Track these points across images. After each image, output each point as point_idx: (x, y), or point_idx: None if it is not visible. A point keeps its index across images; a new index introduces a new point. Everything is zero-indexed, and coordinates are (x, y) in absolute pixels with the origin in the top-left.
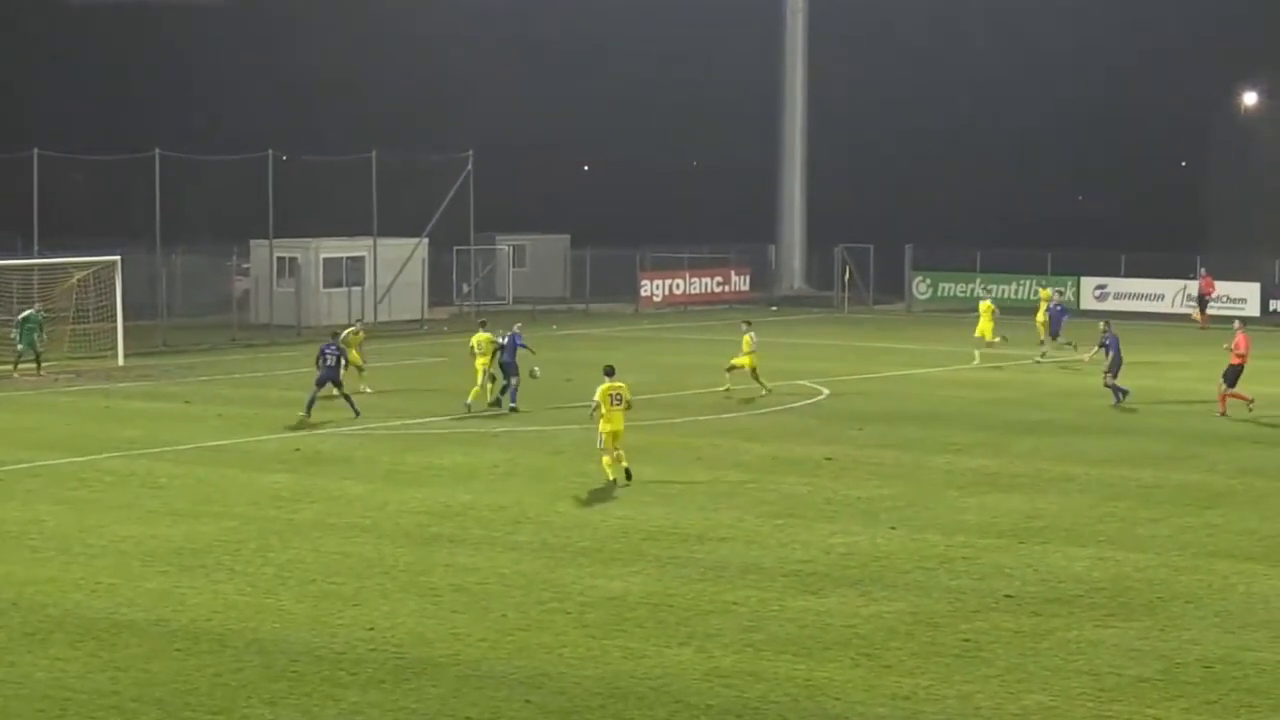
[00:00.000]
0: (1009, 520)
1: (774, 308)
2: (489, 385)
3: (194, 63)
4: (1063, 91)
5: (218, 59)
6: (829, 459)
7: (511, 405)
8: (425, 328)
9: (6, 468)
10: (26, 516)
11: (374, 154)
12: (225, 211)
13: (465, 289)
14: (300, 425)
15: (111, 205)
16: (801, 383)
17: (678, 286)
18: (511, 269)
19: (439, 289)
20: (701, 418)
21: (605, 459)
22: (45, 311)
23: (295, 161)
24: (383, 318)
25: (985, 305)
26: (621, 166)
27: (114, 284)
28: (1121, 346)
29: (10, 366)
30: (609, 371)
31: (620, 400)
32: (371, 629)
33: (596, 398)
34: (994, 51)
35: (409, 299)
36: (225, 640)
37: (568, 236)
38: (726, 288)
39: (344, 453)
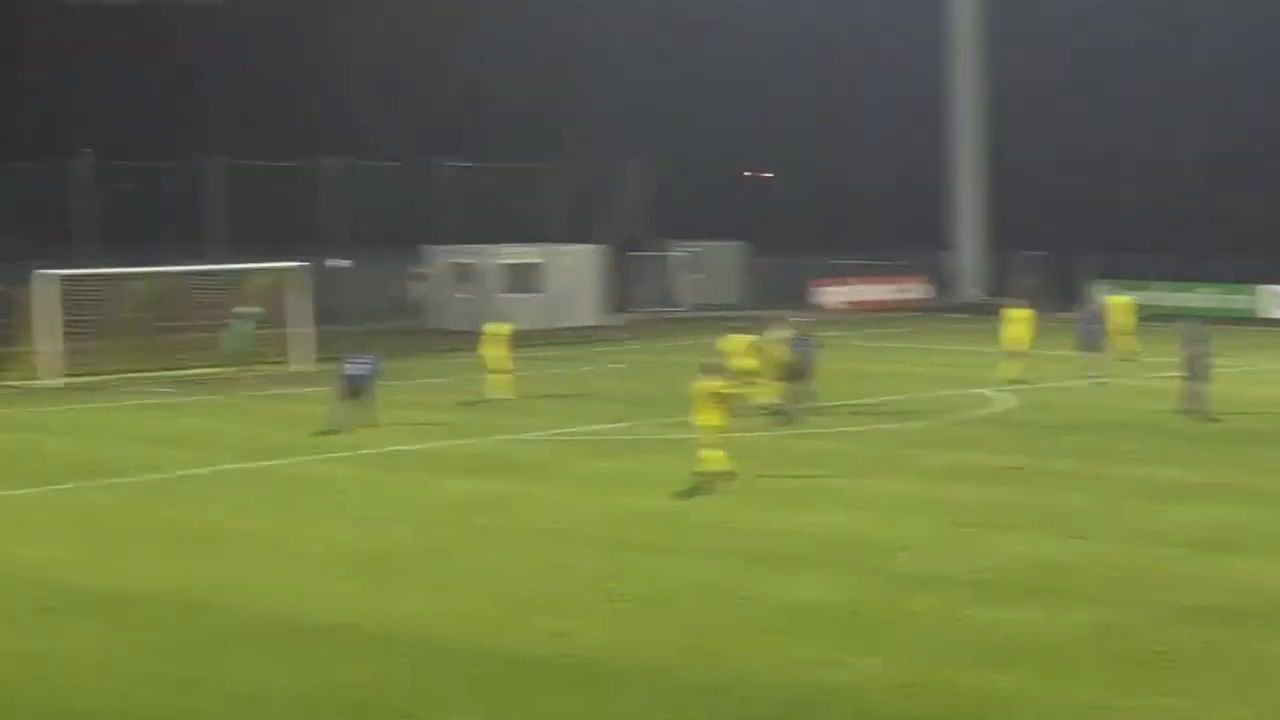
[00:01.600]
0: (1197, 530)
1: (951, 315)
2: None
3: (366, 68)
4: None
5: (391, 64)
6: (1013, 468)
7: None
8: (602, 334)
9: (193, 471)
10: (218, 519)
11: (551, 160)
12: (404, 218)
13: (640, 296)
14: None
15: (293, 211)
16: (982, 391)
17: (854, 294)
18: (687, 275)
19: (615, 296)
20: (884, 426)
21: (717, 452)
22: (247, 314)
23: (474, 168)
24: (559, 324)
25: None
26: (798, 172)
27: (297, 290)
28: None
29: (234, 370)
30: (708, 369)
31: (721, 397)
32: (560, 635)
33: (699, 394)
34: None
35: (585, 306)
36: (413, 645)
37: (743, 243)
38: (904, 295)
39: (530, 458)
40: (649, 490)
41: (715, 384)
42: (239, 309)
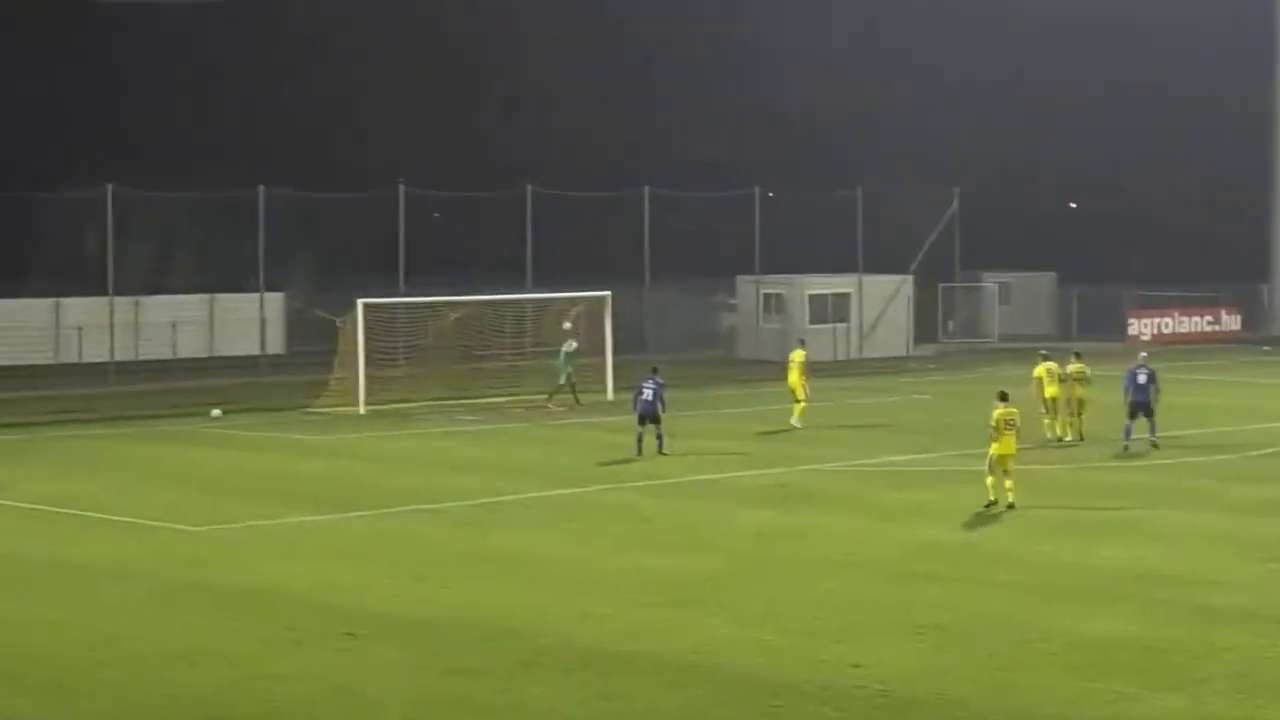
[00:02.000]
0: None
1: (1266, 348)
2: (1058, 418)
3: (677, 99)
4: None
5: (700, 94)
6: None
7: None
8: (910, 365)
9: (505, 498)
10: (521, 546)
11: (859, 190)
12: (712, 247)
13: (950, 327)
14: (629, 460)
15: (601, 242)
16: None
17: (1166, 325)
18: (997, 306)
19: (924, 326)
20: (1191, 459)
21: (990, 479)
22: (572, 343)
23: (781, 198)
24: (867, 354)
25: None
26: (1110, 202)
27: (603, 319)
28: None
29: (545, 397)
30: (1003, 397)
31: (1013, 425)
32: (857, 666)
33: (992, 422)
34: None
35: (893, 336)
36: (712, 674)
37: (1054, 274)
38: (1217, 327)
39: (828, 489)
40: (947, 522)
41: (1006, 411)
42: (570, 340)
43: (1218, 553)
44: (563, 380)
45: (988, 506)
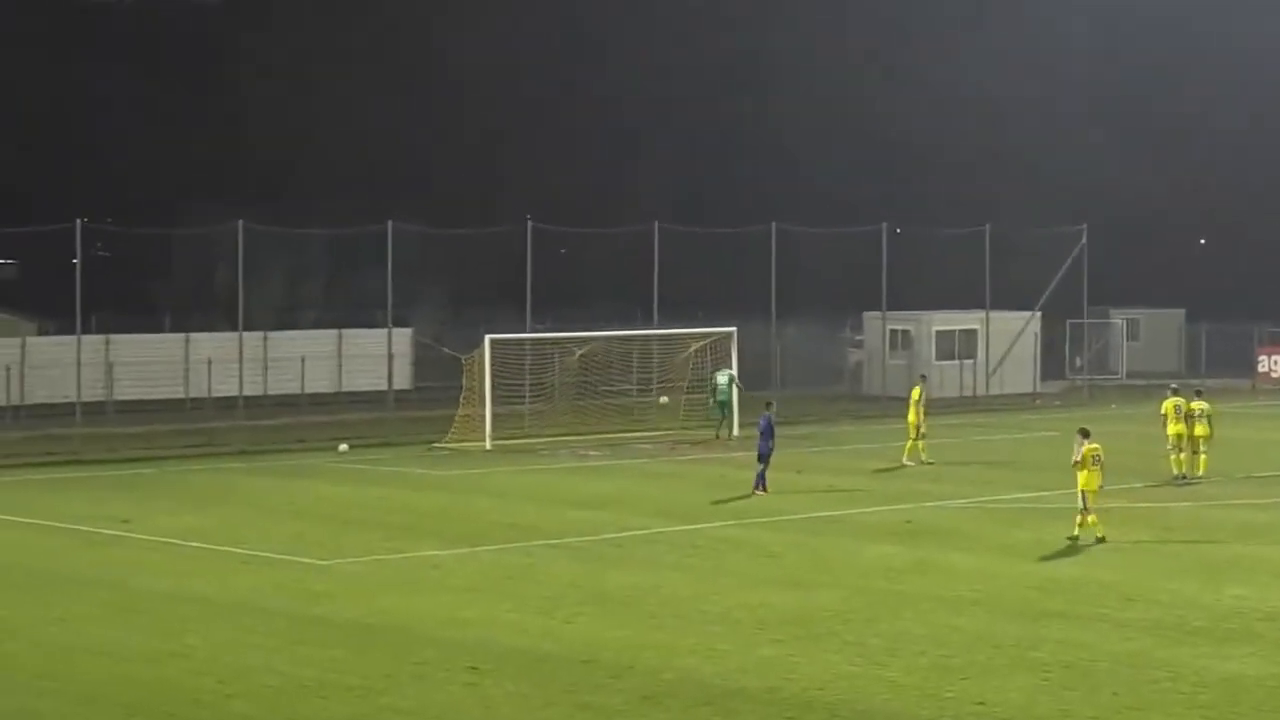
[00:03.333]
0: None
1: None
2: (1182, 456)
3: (802, 135)
4: None
5: (828, 129)
6: None
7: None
8: (1037, 401)
9: (629, 533)
10: (645, 582)
11: (987, 227)
12: (838, 283)
13: (1078, 363)
14: (749, 496)
15: (727, 277)
16: None
17: None
18: (1125, 343)
19: (1051, 363)
20: None
21: (1090, 517)
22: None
23: (908, 234)
24: (994, 391)
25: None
26: (1240, 238)
27: (730, 355)
28: None
29: (713, 433)
30: (1085, 434)
31: (1098, 461)
32: (982, 703)
33: (1077, 457)
34: None
35: (1020, 373)
36: (835, 710)
37: (1182, 310)
38: None
39: (953, 525)
40: (1072, 559)
41: (1090, 448)
42: (719, 373)
43: None
44: (722, 413)
45: (1071, 540)
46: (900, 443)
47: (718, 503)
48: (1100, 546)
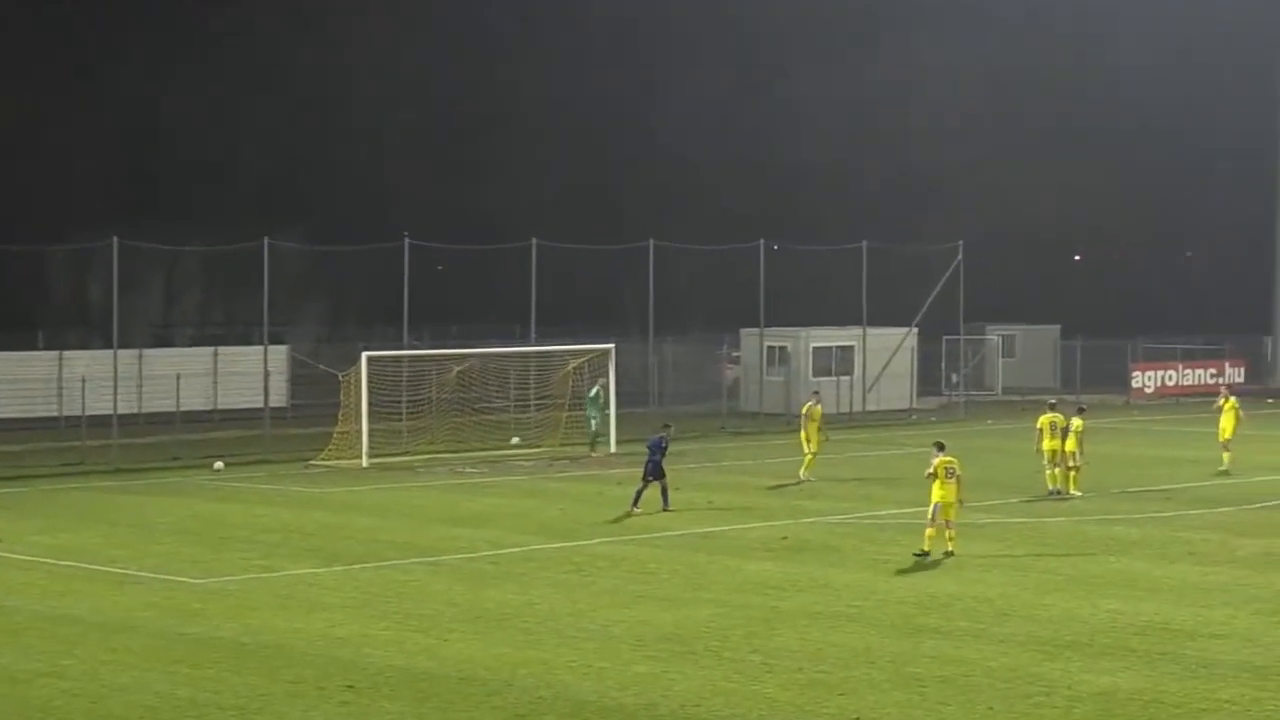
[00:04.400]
0: None
1: (1270, 400)
2: (1056, 471)
3: (685, 152)
4: None
5: (705, 148)
6: None
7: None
8: (914, 417)
9: (506, 551)
10: (522, 599)
11: (864, 244)
12: (717, 300)
13: (954, 379)
14: (624, 517)
15: (605, 295)
16: None
17: (1170, 378)
18: (1001, 359)
19: (927, 379)
20: (1192, 511)
21: (929, 530)
22: (598, 392)
23: (785, 251)
24: (871, 407)
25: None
26: (1114, 255)
27: (608, 372)
28: None
29: (587, 447)
30: (940, 446)
31: (953, 474)
32: (858, 718)
33: (931, 469)
34: None
35: (897, 389)
36: None
37: (1058, 327)
38: (1220, 380)
39: (830, 541)
40: (949, 575)
41: (944, 460)
42: (592, 390)
43: (1220, 606)
44: (594, 427)
45: (919, 556)
46: (777, 459)
47: (599, 520)
48: (977, 562)
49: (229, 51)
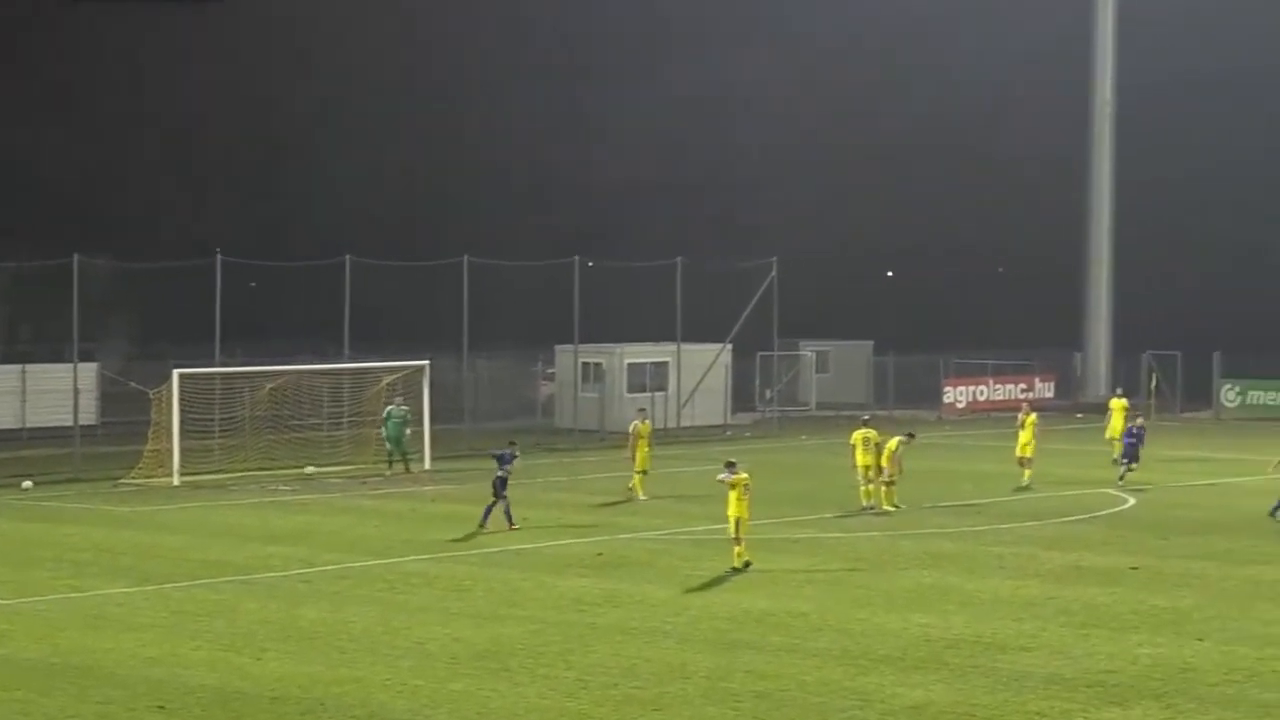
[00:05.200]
0: None
1: (1079, 415)
2: (869, 488)
3: (500, 166)
4: None
5: (520, 164)
6: (1134, 568)
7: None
8: (728, 433)
9: (319, 569)
10: (336, 617)
11: (679, 260)
12: (531, 316)
13: (768, 395)
14: (470, 536)
15: (419, 311)
16: (1106, 491)
17: (981, 393)
18: (815, 375)
19: (742, 395)
20: (1003, 525)
21: (738, 548)
22: (399, 410)
23: (600, 267)
24: (685, 423)
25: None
26: (926, 271)
27: (421, 389)
28: None
29: (385, 465)
30: (731, 466)
31: (748, 490)
32: None
33: (726, 478)
34: None
35: (712, 405)
36: None
37: (870, 342)
38: (1030, 395)
39: (645, 557)
40: (764, 590)
41: (739, 478)
42: (394, 407)
43: (1030, 618)
44: (391, 446)
45: (735, 571)
46: (592, 475)
47: (414, 537)
48: (791, 577)
49: (35, 68)
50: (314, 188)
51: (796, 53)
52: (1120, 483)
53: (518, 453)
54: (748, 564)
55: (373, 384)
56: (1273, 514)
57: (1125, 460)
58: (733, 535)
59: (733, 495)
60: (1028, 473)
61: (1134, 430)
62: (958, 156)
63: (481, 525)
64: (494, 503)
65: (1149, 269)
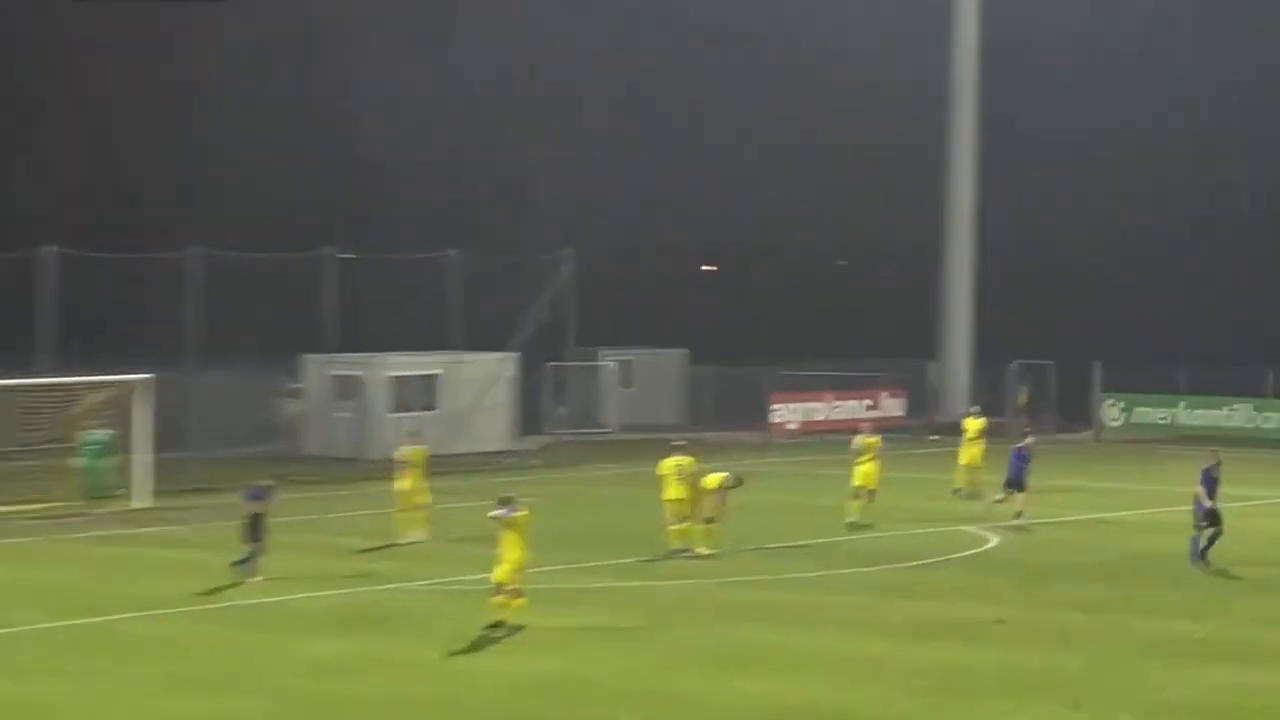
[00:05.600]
0: (1220, 697)
1: (934, 436)
2: (682, 526)
3: (235, 144)
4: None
5: (261, 143)
6: (998, 621)
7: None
8: (511, 461)
9: (6, 631)
10: (25, 693)
11: (452, 252)
12: (272, 320)
13: (561, 414)
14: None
15: (137, 312)
16: (964, 528)
17: (817, 411)
18: (618, 389)
19: (530, 414)
20: (843, 570)
21: (517, 601)
22: (97, 438)
23: (358, 260)
24: (461, 449)
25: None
26: (749, 265)
27: (135, 409)
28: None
29: (84, 503)
30: (507, 502)
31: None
32: None
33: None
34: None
35: (493, 426)
36: None
37: (686, 351)
38: (877, 412)
39: (409, 611)
40: (555, 651)
41: (518, 516)
42: (90, 434)
43: (872, 682)
44: (96, 484)
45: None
46: (349, 513)
47: (125, 590)
48: (586, 635)
49: None
50: (27, 172)
51: (607, 23)
52: (1017, 519)
53: (270, 490)
54: (519, 626)
55: (74, 403)
56: (1200, 557)
57: (1006, 487)
58: (503, 584)
59: (509, 537)
60: (857, 505)
61: (1022, 452)
62: (803, 138)
63: (251, 575)
64: (255, 546)
65: (1018, 265)
